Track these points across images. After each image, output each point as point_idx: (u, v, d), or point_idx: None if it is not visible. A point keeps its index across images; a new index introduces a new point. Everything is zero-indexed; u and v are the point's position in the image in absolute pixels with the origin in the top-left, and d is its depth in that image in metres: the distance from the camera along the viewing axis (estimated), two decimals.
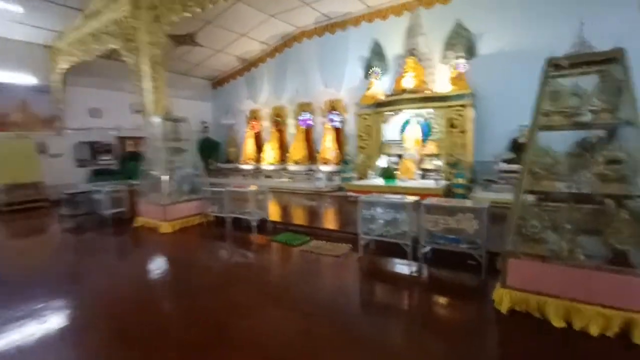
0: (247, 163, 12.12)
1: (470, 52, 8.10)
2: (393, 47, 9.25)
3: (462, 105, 7.83)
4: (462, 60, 8.02)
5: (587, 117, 2.59)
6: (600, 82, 2.54)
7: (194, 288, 3.51)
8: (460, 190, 7.21)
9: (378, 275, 3.75)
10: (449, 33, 8.30)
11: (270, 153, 11.56)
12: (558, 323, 2.53)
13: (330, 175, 9.63)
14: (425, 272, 3.68)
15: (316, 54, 10.74)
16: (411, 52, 8.63)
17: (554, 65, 2.65)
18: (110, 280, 3.84)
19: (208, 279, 3.77)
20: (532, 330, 2.51)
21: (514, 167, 6.91)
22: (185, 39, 10.20)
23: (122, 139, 11.28)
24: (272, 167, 11.41)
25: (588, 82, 2.84)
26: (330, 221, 6.32)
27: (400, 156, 8.96)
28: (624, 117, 2.44)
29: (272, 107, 12.02)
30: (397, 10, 9.05)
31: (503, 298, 2.76)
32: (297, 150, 10.93)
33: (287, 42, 11.31)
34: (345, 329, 2.63)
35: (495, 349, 2.44)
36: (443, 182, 7.52)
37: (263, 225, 5.66)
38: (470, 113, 7.72)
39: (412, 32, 8.76)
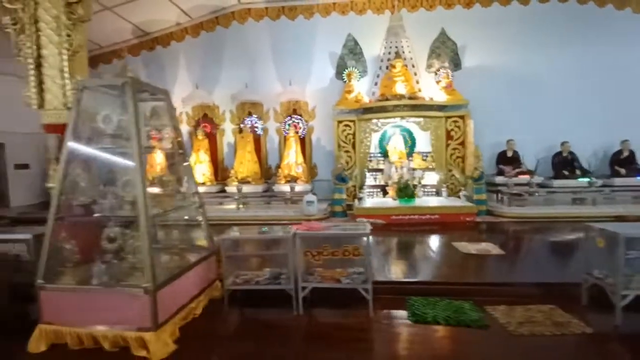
0: (152, 185, 8.03)
1: (454, 62, 7.87)
2: (370, 47, 8.09)
3: (460, 116, 7.44)
4: (449, 70, 7.70)
5: None
6: None
7: None
8: (482, 207, 6.64)
9: None
10: (433, 41, 7.87)
11: (199, 169, 8.06)
12: None
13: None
14: None
15: (269, 41, 8.30)
16: (397, 55, 7.70)
17: None
18: None
19: None
20: None
21: (523, 179, 6.91)
22: None
23: None
24: (203, 189, 7.92)
25: None
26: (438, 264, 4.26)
27: (381, 171, 7.80)
28: None
29: (196, 105, 8.54)
30: (377, 7, 7.99)
31: None
32: (244, 165, 8.02)
33: (221, 19, 8.35)
34: None
35: None
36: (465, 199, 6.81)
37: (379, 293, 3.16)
38: (470, 124, 7.39)
39: (394, 33, 7.88)
